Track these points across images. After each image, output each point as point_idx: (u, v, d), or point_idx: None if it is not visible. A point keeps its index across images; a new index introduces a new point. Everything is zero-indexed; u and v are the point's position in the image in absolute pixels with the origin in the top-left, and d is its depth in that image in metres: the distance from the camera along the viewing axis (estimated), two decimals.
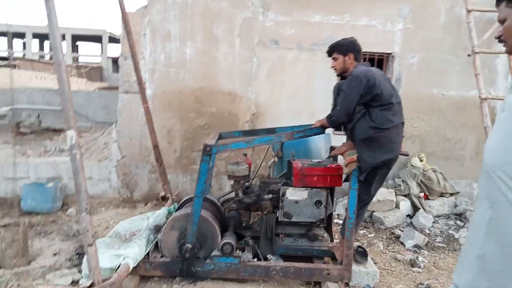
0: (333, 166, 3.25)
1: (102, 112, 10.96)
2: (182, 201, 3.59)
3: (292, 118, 4.84)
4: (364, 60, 4.56)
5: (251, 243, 3.34)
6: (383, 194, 4.64)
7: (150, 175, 4.86)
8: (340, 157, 3.35)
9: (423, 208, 4.72)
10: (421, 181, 4.89)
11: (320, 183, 3.23)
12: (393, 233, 4.35)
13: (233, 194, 3.89)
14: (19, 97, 10.05)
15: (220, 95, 4.82)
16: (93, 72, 21.93)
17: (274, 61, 4.82)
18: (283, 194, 3.26)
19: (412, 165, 5.02)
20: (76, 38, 24.05)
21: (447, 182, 4.89)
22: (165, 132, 4.64)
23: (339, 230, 4.20)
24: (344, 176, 3.21)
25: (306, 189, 3.26)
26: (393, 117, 2.89)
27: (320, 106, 4.93)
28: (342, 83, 3.12)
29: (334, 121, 3.04)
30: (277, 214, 3.28)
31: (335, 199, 4.16)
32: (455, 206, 4.89)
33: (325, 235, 3.50)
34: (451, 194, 4.95)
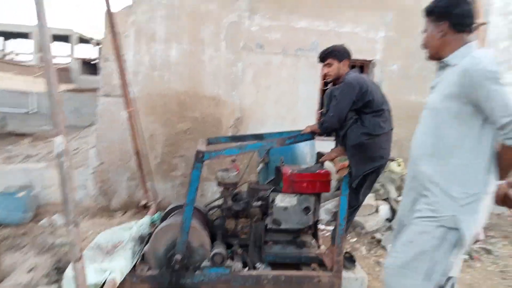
0: (322, 172, 3.25)
1: (72, 115, 10.55)
2: (168, 209, 3.48)
3: (276, 123, 4.83)
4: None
5: (240, 252, 3.29)
6: None
7: (129, 182, 4.70)
8: (327, 163, 3.36)
9: None
10: (399, 185, 5.00)
11: (309, 189, 3.22)
12: (374, 237, 4.41)
13: (218, 201, 3.84)
14: None
15: (204, 99, 4.73)
16: (60, 73, 21.16)
17: (259, 66, 4.79)
18: (273, 201, 3.22)
19: (390, 170, 5.12)
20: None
21: None
22: (147, 137, 4.50)
23: (324, 235, 4.22)
24: (334, 183, 3.22)
25: (295, 196, 3.24)
26: (384, 123, 2.93)
27: (304, 112, 4.96)
28: (335, 89, 3.13)
29: (327, 127, 3.04)
30: (266, 221, 3.25)
31: None
32: None
33: (313, 241, 3.50)
34: None
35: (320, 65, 4.80)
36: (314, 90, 4.93)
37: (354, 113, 2.96)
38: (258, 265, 3.18)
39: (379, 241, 4.30)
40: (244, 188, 3.60)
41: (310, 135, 3.25)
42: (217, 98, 4.76)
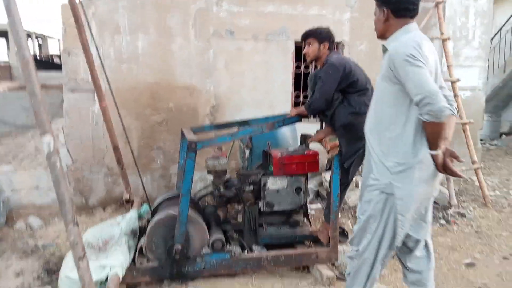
0: (311, 153, 3.32)
1: (22, 114, 9.89)
2: (159, 201, 3.41)
3: (253, 109, 4.83)
4: None
5: (236, 236, 3.31)
6: None
7: (106, 178, 4.53)
8: (312, 144, 3.44)
9: None
10: None
11: (299, 171, 3.28)
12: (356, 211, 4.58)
13: (207, 189, 3.81)
14: None
15: (177, 89, 4.63)
16: (1, 71, 19.69)
17: (231, 52, 4.75)
18: (264, 185, 3.26)
19: None
20: None
21: None
22: (120, 132, 4.33)
23: (310, 214, 4.33)
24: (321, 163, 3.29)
25: (286, 178, 3.30)
26: (368, 102, 2.96)
27: (279, 96, 5.00)
28: (319, 71, 3.18)
29: (314, 109, 3.10)
30: (259, 204, 3.28)
31: None
32: None
33: (305, 220, 3.59)
34: None
35: (292, 48, 4.95)
36: (287, 74, 4.97)
37: (340, 93, 3.04)
38: (254, 247, 3.22)
39: None
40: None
41: (297, 118, 3.30)
42: (191, 88, 4.68)
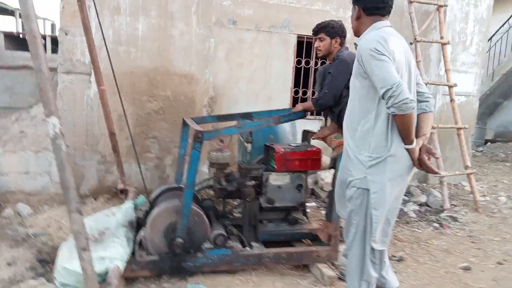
0: (314, 149, 3.28)
1: (4, 95, 9.49)
2: (158, 192, 3.30)
3: (250, 101, 4.75)
4: None
5: (236, 232, 3.24)
6: None
7: (99, 166, 4.37)
8: (314, 140, 3.40)
9: None
10: None
11: (302, 167, 3.24)
12: None
13: (207, 182, 3.73)
14: None
15: (176, 77, 4.49)
16: None
17: (232, 42, 4.64)
18: (266, 180, 3.20)
19: None
20: None
21: None
22: (116, 118, 4.18)
23: (308, 211, 4.30)
24: (328, 160, 3.26)
25: (288, 174, 3.25)
26: None
27: (278, 89, 4.93)
28: (328, 67, 3.13)
29: (322, 104, 3.05)
30: (260, 200, 3.22)
31: None
32: None
33: (304, 218, 3.55)
34: None
35: (294, 42, 4.88)
36: (287, 68, 4.90)
37: (349, 91, 2.99)
38: (253, 244, 3.17)
39: None
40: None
41: (302, 113, 3.25)
42: (189, 76, 4.55)
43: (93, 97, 4.23)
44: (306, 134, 3.58)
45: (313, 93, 5.16)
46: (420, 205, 4.72)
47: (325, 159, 3.82)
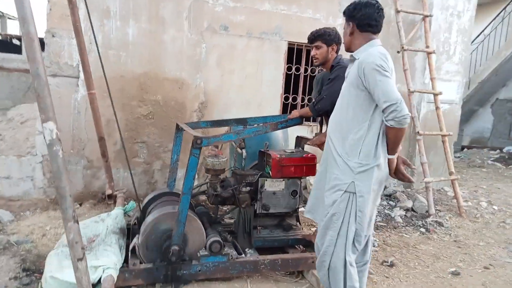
0: (309, 156, 3.29)
1: None
2: (149, 198, 3.24)
3: (241, 108, 4.75)
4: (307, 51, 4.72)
5: (230, 239, 3.22)
6: None
7: (85, 171, 4.27)
8: (307, 146, 3.42)
9: None
10: None
11: (297, 173, 3.24)
12: None
13: (199, 188, 3.69)
14: None
15: (166, 82, 4.45)
16: None
17: (223, 48, 4.63)
18: (262, 186, 3.19)
19: None
20: None
21: None
22: (104, 122, 4.09)
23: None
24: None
25: (283, 180, 3.25)
26: None
27: (268, 96, 4.95)
28: (326, 74, 3.15)
29: (319, 109, 3.05)
30: (255, 206, 3.21)
31: None
32: (385, 188, 5.42)
33: (297, 224, 3.56)
34: None
35: (285, 49, 4.91)
36: (278, 74, 4.93)
37: None
38: (247, 250, 3.15)
39: None
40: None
41: (299, 119, 3.26)
42: (180, 81, 4.51)
43: (80, 100, 4.14)
44: (300, 140, 3.59)
45: (303, 99, 5.20)
46: (407, 210, 4.80)
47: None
